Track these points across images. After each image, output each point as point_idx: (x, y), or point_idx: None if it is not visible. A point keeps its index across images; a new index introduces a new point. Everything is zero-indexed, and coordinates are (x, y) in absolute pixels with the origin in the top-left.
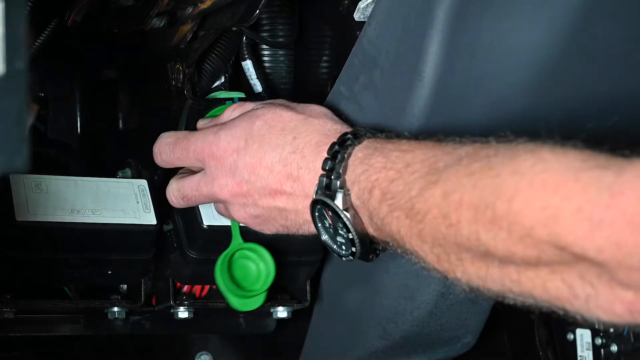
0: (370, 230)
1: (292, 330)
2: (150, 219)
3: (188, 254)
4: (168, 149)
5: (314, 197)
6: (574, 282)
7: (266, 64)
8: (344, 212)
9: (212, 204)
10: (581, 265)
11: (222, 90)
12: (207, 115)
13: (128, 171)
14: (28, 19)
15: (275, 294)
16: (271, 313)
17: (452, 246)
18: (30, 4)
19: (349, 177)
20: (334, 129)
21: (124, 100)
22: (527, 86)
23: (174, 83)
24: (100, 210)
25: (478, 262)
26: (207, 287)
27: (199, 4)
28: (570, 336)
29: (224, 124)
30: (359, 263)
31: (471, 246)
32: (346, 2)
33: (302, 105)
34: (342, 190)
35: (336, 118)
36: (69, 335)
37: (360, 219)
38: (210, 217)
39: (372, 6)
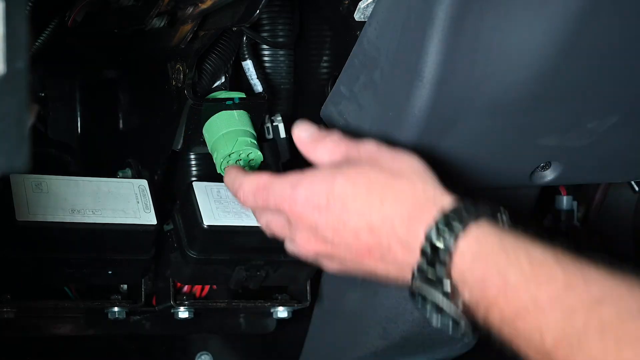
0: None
1: (292, 330)
2: (151, 219)
3: (188, 254)
4: (252, 198)
5: (414, 286)
6: None
7: (266, 64)
8: (452, 306)
9: (211, 204)
10: None
11: (223, 90)
12: (212, 122)
13: (128, 171)
14: (28, 19)
15: (275, 294)
16: (271, 313)
17: None
18: (30, 4)
19: (456, 275)
20: (426, 196)
21: (124, 100)
22: (527, 86)
23: (174, 83)
24: (100, 210)
25: None
26: (207, 287)
27: (199, 4)
28: None
29: (304, 174)
30: None
31: None
32: (346, 2)
33: (392, 155)
34: (449, 286)
35: (428, 174)
36: (69, 335)
37: (468, 310)
38: (210, 217)
39: (372, 6)
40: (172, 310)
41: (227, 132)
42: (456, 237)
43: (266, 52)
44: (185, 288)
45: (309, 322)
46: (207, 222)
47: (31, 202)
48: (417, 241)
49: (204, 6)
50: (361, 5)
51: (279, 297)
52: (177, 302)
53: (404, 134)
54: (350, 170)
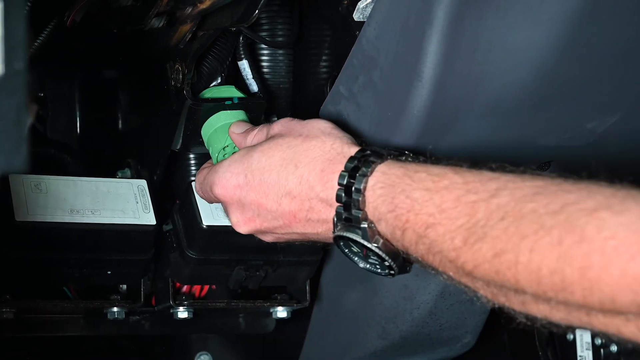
0: (404, 253)
1: (292, 330)
2: (150, 219)
3: (187, 254)
4: (201, 193)
5: (335, 231)
6: None
7: (265, 64)
8: (374, 244)
9: (210, 204)
10: None
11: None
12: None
13: (127, 171)
14: (27, 19)
15: (274, 294)
16: (271, 313)
17: (510, 292)
18: (29, 4)
19: (370, 212)
20: (335, 151)
21: (123, 101)
22: (527, 86)
23: (173, 83)
24: (99, 210)
25: (543, 305)
26: (206, 287)
27: (198, 4)
28: (570, 336)
29: (220, 163)
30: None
31: (536, 297)
32: (346, 2)
33: (302, 123)
34: (365, 223)
35: (336, 132)
36: (69, 335)
37: (392, 244)
38: (209, 217)
39: (371, 6)
40: (171, 310)
41: (220, 126)
42: (365, 176)
43: (265, 52)
44: (185, 288)
45: (308, 322)
46: (206, 222)
47: (30, 202)
48: (334, 193)
49: (203, 6)
50: (360, 5)
51: (278, 297)
52: (177, 302)
53: (403, 134)
54: (264, 145)
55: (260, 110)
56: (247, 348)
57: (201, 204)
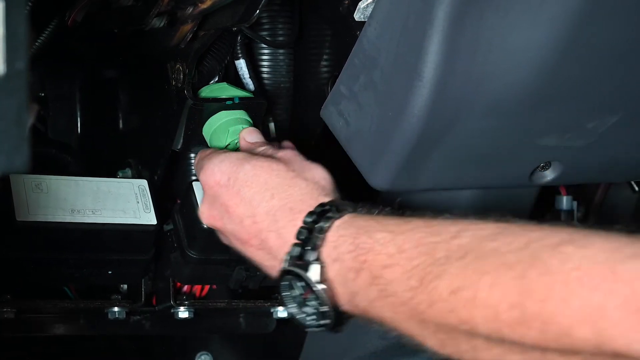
0: (346, 306)
1: (292, 330)
2: (150, 219)
3: (188, 254)
4: (196, 163)
5: (284, 266)
6: None
7: (266, 64)
8: (319, 284)
9: None
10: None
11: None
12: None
13: (128, 171)
14: (28, 19)
15: (275, 294)
16: (271, 313)
17: (462, 336)
18: (30, 4)
19: (328, 252)
20: (312, 196)
21: (123, 101)
22: (527, 86)
23: (174, 83)
24: (100, 210)
25: (496, 349)
26: (207, 287)
27: (199, 4)
28: None
29: (220, 153)
30: None
31: (489, 339)
32: (346, 2)
33: (305, 162)
34: (317, 263)
35: (327, 185)
36: (69, 335)
37: (333, 292)
38: None
39: (372, 6)
40: (172, 310)
41: (219, 125)
42: (331, 219)
43: (266, 52)
44: (185, 288)
45: None
46: None
47: (31, 202)
48: (293, 230)
49: (203, 6)
50: (361, 5)
51: (279, 297)
52: (177, 302)
53: (404, 134)
54: (260, 160)
55: (261, 110)
56: (248, 348)
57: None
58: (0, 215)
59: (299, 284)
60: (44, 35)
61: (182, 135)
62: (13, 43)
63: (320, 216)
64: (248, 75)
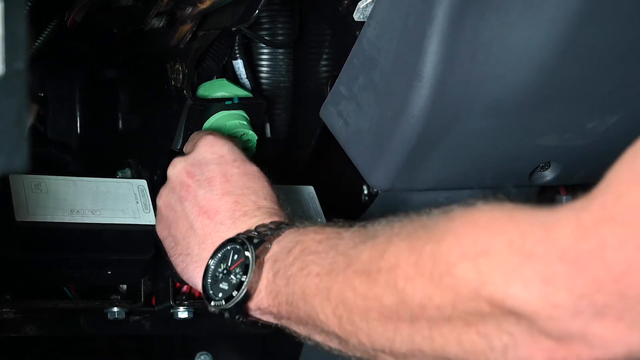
0: (262, 293)
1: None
2: (150, 219)
3: None
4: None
5: (234, 237)
6: (490, 332)
7: (265, 64)
8: (256, 256)
9: None
10: (498, 314)
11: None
12: (208, 122)
13: (128, 171)
14: (28, 19)
15: None
16: None
17: (360, 302)
18: (30, 4)
19: (276, 239)
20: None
21: (123, 100)
22: (527, 86)
23: (173, 83)
24: (99, 210)
25: (386, 322)
26: None
27: (199, 4)
28: None
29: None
30: None
31: (383, 299)
32: (346, 2)
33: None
34: (264, 240)
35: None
36: (69, 335)
37: (259, 274)
38: None
39: (371, 6)
40: (171, 310)
41: (214, 121)
42: (297, 226)
43: (265, 52)
44: (185, 288)
45: None
46: None
47: (30, 202)
48: (261, 220)
49: (203, 6)
50: (360, 5)
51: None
52: (177, 302)
53: (404, 134)
54: (262, 172)
55: (260, 110)
56: (247, 348)
57: None
58: (0, 215)
59: (235, 255)
60: (44, 35)
61: (182, 135)
62: (12, 43)
63: (290, 220)
64: (245, 76)
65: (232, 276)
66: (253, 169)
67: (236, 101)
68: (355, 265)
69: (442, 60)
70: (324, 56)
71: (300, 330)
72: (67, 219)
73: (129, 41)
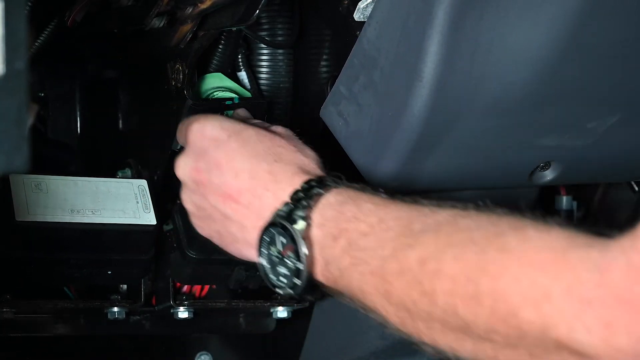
0: (319, 276)
1: (292, 330)
2: (150, 219)
3: (188, 254)
4: (186, 121)
5: (272, 220)
6: None
7: (265, 64)
8: (302, 241)
9: None
10: (564, 353)
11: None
12: None
13: (128, 171)
14: (28, 19)
15: (275, 294)
16: (271, 313)
17: (422, 313)
18: (30, 4)
19: (315, 217)
20: (314, 170)
21: (124, 100)
22: (527, 86)
23: (173, 83)
24: (100, 210)
25: (450, 334)
26: (206, 287)
27: (199, 4)
28: None
29: (219, 116)
30: None
31: (445, 318)
32: (346, 2)
33: (299, 142)
34: (305, 221)
35: (320, 168)
36: (69, 335)
37: (312, 256)
38: None
39: (372, 6)
40: (171, 310)
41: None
42: (327, 186)
43: (265, 52)
44: (185, 288)
45: (308, 322)
46: None
47: (31, 202)
48: (289, 189)
49: (203, 6)
50: (361, 5)
51: (279, 297)
52: (177, 302)
53: (404, 134)
54: (262, 129)
55: (260, 110)
56: (248, 348)
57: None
58: (0, 215)
59: (282, 239)
60: (44, 35)
61: None
62: (12, 43)
63: (319, 183)
64: (249, 87)
65: (287, 261)
66: (249, 133)
67: (237, 101)
68: (408, 276)
69: (442, 60)
70: (324, 56)
71: (360, 307)
72: (68, 218)
73: (129, 41)
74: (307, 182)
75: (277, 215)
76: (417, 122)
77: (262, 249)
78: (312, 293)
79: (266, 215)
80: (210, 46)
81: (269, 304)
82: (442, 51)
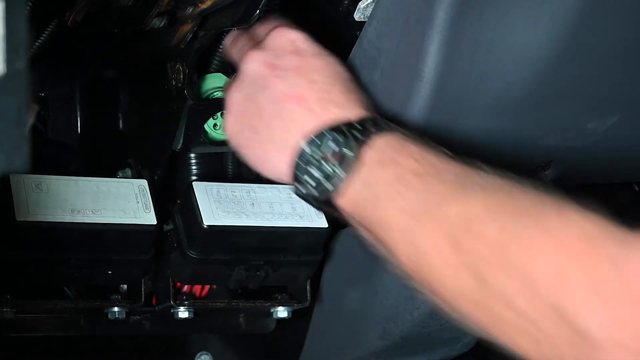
0: (347, 197)
1: (292, 330)
2: (150, 219)
3: (188, 254)
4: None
5: (334, 125)
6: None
7: None
8: (356, 153)
9: (211, 204)
10: (575, 339)
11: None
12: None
13: (128, 171)
14: (28, 19)
15: (275, 294)
16: (271, 313)
17: (444, 268)
18: (30, 4)
19: (376, 142)
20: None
21: (124, 100)
22: (527, 86)
23: (173, 83)
24: (100, 210)
25: (465, 299)
26: (207, 287)
27: (199, 4)
28: None
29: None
30: (359, 263)
31: (467, 280)
32: (346, 1)
33: None
34: (366, 140)
35: None
36: (69, 335)
37: (355, 175)
38: (210, 217)
39: (372, 6)
40: (172, 310)
41: None
42: (394, 128)
43: None
44: (185, 288)
45: (308, 322)
46: (207, 222)
47: (31, 202)
48: (358, 114)
49: (203, 6)
50: (361, 5)
51: (279, 297)
52: (177, 302)
53: None
54: (343, 63)
55: None
56: (248, 348)
57: (202, 203)
58: (0, 215)
59: (333, 145)
60: (44, 35)
61: (182, 135)
62: (13, 43)
63: (387, 123)
64: None
65: (326, 165)
66: (332, 59)
67: None
68: (445, 228)
69: (442, 60)
70: None
71: (371, 240)
72: (68, 218)
73: (129, 41)
74: (376, 118)
75: (342, 123)
76: (418, 122)
77: (303, 147)
78: (325, 202)
79: (321, 127)
80: (210, 46)
81: (269, 304)
82: (442, 51)
